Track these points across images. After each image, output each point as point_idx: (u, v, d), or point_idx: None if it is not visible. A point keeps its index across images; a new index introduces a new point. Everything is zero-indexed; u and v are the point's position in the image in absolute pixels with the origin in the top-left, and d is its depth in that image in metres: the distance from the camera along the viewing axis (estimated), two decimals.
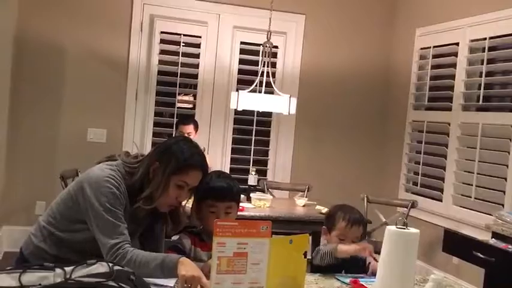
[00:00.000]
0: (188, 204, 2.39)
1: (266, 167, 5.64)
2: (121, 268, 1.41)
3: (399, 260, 1.66)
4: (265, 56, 4.59)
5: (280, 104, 4.47)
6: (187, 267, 1.92)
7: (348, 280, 2.16)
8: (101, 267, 1.36)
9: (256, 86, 4.56)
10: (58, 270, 1.33)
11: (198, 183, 2.25)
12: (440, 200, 4.91)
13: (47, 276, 1.32)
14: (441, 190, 4.90)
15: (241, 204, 4.17)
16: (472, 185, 4.54)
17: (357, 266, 2.37)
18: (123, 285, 1.32)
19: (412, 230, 1.68)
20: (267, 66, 4.56)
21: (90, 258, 1.52)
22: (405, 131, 5.51)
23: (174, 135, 4.84)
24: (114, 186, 2.11)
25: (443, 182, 4.88)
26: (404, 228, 1.66)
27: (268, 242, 1.88)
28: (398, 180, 5.56)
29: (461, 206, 4.69)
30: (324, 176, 5.67)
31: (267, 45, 4.55)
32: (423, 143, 5.21)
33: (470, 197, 4.55)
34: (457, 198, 4.74)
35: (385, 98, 5.86)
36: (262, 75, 4.55)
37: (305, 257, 1.97)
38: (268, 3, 4.62)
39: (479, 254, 3.30)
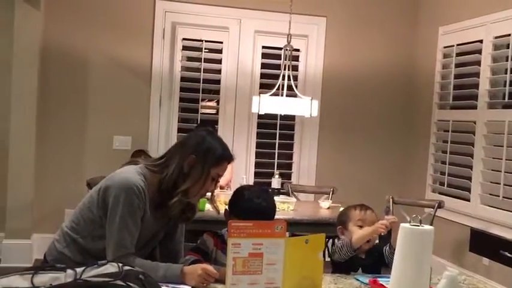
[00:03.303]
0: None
1: (290, 170, 5.63)
2: (131, 268, 1.43)
3: (414, 257, 1.64)
4: (286, 59, 4.59)
5: (302, 106, 4.47)
6: (189, 276, 1.99)
7: (367, 280, 2.15)
8: (111, 268, 1.39)
9: (278, 89, 4.57)
10: (69, 271, 1.36)
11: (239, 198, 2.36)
12: (468, 200, 4.83)
13: (59, 277, 1.34)
14: (468, 190, 4.83)
15: None
16: (499, 183, 4.46)
17: (374, 260, 2.39)
18: (131, 284, 1.34)
19: (427, 227, 1.66)
20: (288, 70, 4.56)
21: None
22: (431, 131, 5.45)
23: None
24: (136, 195, 2.13)
25: (471, 182, 4.80)
26: (418, 226, 1.64)
27: (284, 242, 1.88)
28: (425, 180, 5.50)
29: (489, 205, 4.61)
30: (349, 178, 5.64)
31: (288, 48, 4.55)
32: (449, 142, 5.14)
33: (499, 196, 4.47)
34: (484, 197, 4.66)
35: (409, 98, 5.81)
36: (283, 78, 4.56)
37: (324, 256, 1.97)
38: (289, 6, 4.62)
39: (507, 253, 3.25)
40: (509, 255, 3.25)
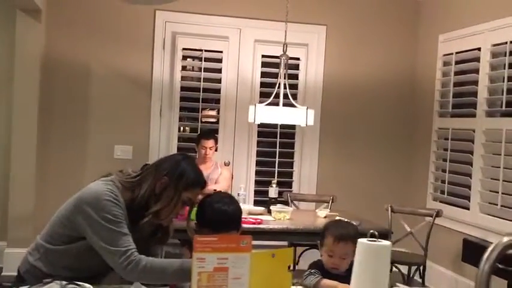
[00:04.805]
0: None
1: (291, 178, 5.63)
2: (76, 286, 1.45)
3: (371, 272, 1.64)
4: (283, 69, 4.60)
5: (298, 116, 4.48)
6: None
7: None
8: (55, 286, 1.41)
9: (275, 98, 4.58)
10: None
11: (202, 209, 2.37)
12: (468, 208, 4.80)
13: None
14: (468, 198, 4.80)
15: (260, 217, 4.21)
16: (498, 192, 4.43)
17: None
18: None
19: (384, 242, 1.66)
20: (285, 78, 4.58)
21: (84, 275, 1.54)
22: (431, 139, 5.42)
23: (195, 150, 4.92)
24: (114, 199, 2.15)
25: (470, 190, 4.77)
26: (374, 241, 1.65)
27: (249, 256, 1.89)
28: (426, 189, 5.47)
29: (488, 214, 4.57)
30: (350, 186, 5.63)
31: (283, 57, 4.57)
32: (449, 150, 5.11)
33: (497, 205, 4.44)
34: (484, 206, 4.63)
35: (410, 106, 5.79)
36: (279, 87, 4.57)
37: (289, 270, 1.98)
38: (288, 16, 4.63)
39: (498, 265, 3.21)
40: (501, 266, 3.19)
